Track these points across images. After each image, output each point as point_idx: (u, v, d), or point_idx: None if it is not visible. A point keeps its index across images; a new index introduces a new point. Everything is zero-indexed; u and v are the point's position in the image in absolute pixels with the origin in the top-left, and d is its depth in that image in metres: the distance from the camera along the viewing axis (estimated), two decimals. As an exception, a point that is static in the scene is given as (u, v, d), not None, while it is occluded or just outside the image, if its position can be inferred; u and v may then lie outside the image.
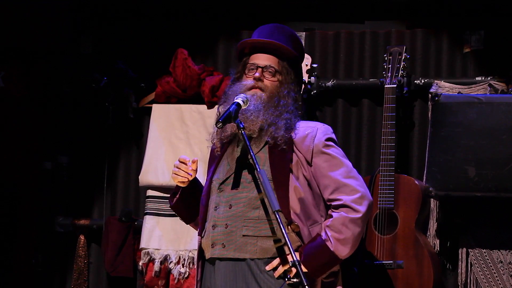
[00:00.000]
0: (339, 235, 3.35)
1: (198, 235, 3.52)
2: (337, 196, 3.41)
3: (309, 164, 3.46)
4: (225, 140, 3.55)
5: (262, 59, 3.53)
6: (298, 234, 3.39)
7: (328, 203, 3.46)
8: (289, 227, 3.38)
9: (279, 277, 3.35)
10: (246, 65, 3.56)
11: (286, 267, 3.33)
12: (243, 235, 3.39)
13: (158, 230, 4.80)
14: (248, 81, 3.52)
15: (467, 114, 4.46)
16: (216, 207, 3.47)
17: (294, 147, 3.46)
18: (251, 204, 3.42)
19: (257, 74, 3.50)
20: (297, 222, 3.38)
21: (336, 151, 3.49)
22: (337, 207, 3.40)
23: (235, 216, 3.42)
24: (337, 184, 3.42)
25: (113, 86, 4.97)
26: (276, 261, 3.36)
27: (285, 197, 3.39)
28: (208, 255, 3.47)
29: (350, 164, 3.49)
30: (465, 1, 4.80)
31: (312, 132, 3.49)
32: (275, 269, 3.36)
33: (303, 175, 3.45)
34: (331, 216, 3.41)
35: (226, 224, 3.42)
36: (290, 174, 3.42)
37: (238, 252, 3.40)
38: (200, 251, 3.52)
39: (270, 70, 3.52)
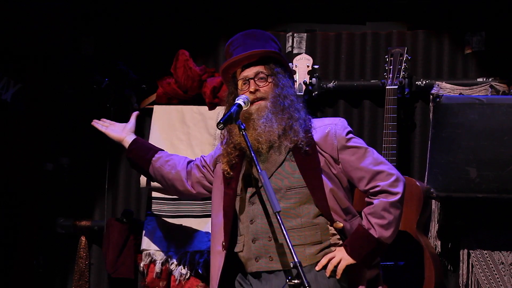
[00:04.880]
0: (382, 221, 3.41)
1: (222, 249, 3.51)
2: (374, 184, 3.46)
3: (336, 161, 3.50)
4: (233, 161, 3.56)
5: (248, 71, 3.54)
6: (341, 231, 3.44)
7: (365, 193, 3.52)
8: (331, 227, 3.43)
9: (330, 276, 3.40)
10: (237, 83, 3.57)
11: (336, 262, 3.40)
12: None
13: (159, 232, 4.79)
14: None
15: (468, 115, 4.46)
16: (252, 220, 3.48)
17: (318, 148, 3.49)
18: (289, 214, 3.43)
19: (252, 87, 3.51)
20: (339, 220, 3.43)
21: (358, 141, 3.55)
22: (376, 193, 3.46)
23: (276, 228, 3.42)
24: (371, 174, 3.47)
25: (114, 88, 4.97)
26: (325, 259, 3.40)
27: (323, 199, 3.43)
28: (252, 268, 3.48)
29: (372, 149, 3.56)
30: (466, 2, 4.80)
31: (331, 130, 3.52)
32: (325, 267, 3.41)
33: (333, 173, 3.48)
34: (370, 203, 3.46)
35: (269, 236, 3.43)
36: (323, 177, 3.44)
37: (288, 262, 3.40)
38: (226, 264, 3.50)
39: (260, 76, 3.53)
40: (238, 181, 3.55)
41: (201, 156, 3.85)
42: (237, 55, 3.55)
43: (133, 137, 4.02)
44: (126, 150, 4.01)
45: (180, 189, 3.87)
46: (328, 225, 3.44)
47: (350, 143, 3.51)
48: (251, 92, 3.51)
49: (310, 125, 3.55)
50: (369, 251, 3.41)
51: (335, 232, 3.44)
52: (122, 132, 4.05)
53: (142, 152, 3.95)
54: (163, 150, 3.99)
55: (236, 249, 3.54)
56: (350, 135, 3.54)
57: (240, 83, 3.56)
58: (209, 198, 3.76)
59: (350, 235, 3.44)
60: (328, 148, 3.49)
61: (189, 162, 3.88)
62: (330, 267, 3.40)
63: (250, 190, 3.51)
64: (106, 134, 4.10)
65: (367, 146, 3.54)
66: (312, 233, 3.42)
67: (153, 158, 3.91)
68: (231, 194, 3.54)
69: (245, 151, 3.52)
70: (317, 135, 3.52)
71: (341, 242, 3.45)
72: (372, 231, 3.41)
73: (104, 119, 4.14)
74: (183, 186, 3.85)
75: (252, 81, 3.53)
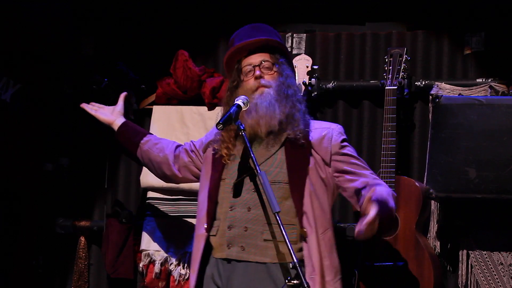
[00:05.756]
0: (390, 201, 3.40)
1: (205, 232, 3.51)
2: (372, 180, 3.48)
3: (328, 164, 3.50)
4: (231, 149, 3.56)
5: (254, 58, 3.56)
6: (303, 239, 3.41)
7: (357, 192, 3.51)
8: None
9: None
10: (241, 69, 3.57)
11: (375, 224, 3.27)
12: (265, 240, 3.40)
13: (159, 232, 4.80)
14: (250, 83, 3.53)
15: (468, 115, 4.46)
16: (231, 207, 3.47)
17: (312, 149, 3.49)
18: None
19: (257, 73, 3.53)
20: (308, 229, 3.41)
21: (351, 150, 3.59)
22: (375, 184, 3.45)
23: (255, 220, 3.43)
24: (363, 177, 3.50)
25: (114, 88, 4.96)
26: (372, 214, 3.25)
27: (300, 202, 3.43)
28: (222, 254, 3.47)
29: (364, 161, 3.60)
30: (466, 3, 4.80)
31: (328, 134, 3.55)
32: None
33: (321, 177, 3.48)
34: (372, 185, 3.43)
35: (246, 227, 3.43)
36: (307, 178, 3.44)
37: (259, 256, 3.41)
38: (206, 246, 3.50)
39: (266, 65, 3.55)
40: (226, 166, 3.55)
41: (191, 141, 3.85)
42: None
43: (122, 120, 4.01)
44: (115, 133, 3.99)
45: (167, 173, 3.87)
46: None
47: (343, 150, 3.54)
48: (255, 78, 3.52)
49: (309, 122, 3.56)
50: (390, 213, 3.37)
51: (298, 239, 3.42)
52: (111, 115, 4.03)
53: (131, 134, 3.94)
54: (152, 134, 3.99)
55: (211, 233, 3.53)
56: (345, 143, 3.58)
57: (244, 70, 3.57)
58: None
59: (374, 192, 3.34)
60: (321, 150, 3.50)
61: (178, 146, 3.88)
62: (374, 226, 3.26)
63: (237, 177, 3.51)
64: (95, 117, 4.07)
65: (358, 156, 3.59)
66: (289, 232, 3.37)
67: (142, 141, 3.90)
68: (216, 177, 3.55)
69: (240, 139, 3.54)
70: (313, 135, 3.53)
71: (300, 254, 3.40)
72: (390, 201, 3.37)
73: (93, 103, 4.12)
74: (170, 170, 3.84)
75: (257, 67, 3.54)
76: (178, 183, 4.05)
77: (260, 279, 3.38)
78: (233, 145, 3.57)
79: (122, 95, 4.10)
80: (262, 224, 3.41)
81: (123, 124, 3.98)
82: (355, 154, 3.57)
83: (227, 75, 3.70)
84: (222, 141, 3.58)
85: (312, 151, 3.49)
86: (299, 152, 3.47)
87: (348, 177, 3.51)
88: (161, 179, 4.03)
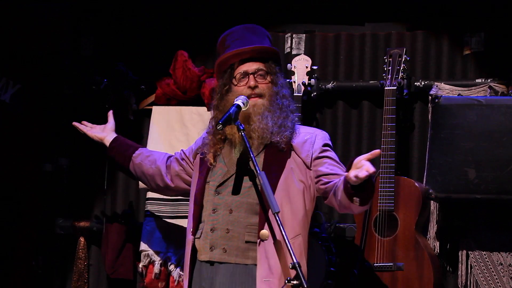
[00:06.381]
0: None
1: (191, 235, 3.52)
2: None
3: (309, 167, 3.49)
4: (218, 152, 3.56)
5: (248, 65, 3.54)
6: (262, 241, 3.39)
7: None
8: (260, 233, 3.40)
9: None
10: (234, 75, 3.56)
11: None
12: (246, 241, 3.40)
13: (158, 232, 4.80)
14: (243, 90, 3.52)
15: (467, 116, 4.46)
16: (214, 209, 3.48)
17: (293, 152, 3.49)
18: (252, 209, 3.43)
19: (252, 82, 3.52)
20: (270, 231, 3.39)
21: (332, 155, 3.57)
22: None
23: (236, 222, 3.43)
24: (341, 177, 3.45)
25: (113, 88, 4.97)
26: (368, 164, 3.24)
27: (265, 204, 3.41)
28: (205, 257, 3.48)
29: (343, 166, 3.56)
30: (466, 3, 4.80)
31: (311, 138, 3.55)
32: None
33: (300, 180, 3.47)
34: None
35: (227, 229, 3.44)
36: (281, 182, 3.44)
37: (240, 258, 3.42)
38: (193, 250, 3.51)
39: (260, 73, 3.54)
40: (211, 169, 3.56)
41: (181, 150, 3.85)
42: (237, 47, 3.57)
43: (113, 135, 4.01)
44: (107, 149, 3.99)
45: (160, 185, 3.87)
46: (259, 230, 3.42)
47: (324, 154, 3.54)
48: (249, 87, 3.51)
49: (295, 128, 3.58)
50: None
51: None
52: (102, 132, 4.03)
53: (123, 149, 3.94)
54: (144, 147, 3.99)
55: (196, 235, 3.53)
56: (327, 147, 3.57)
57: (237, 76, 3.56)
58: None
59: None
60: (303, 154, 3.51)
61: (169, 157, 3.88)
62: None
63: (219, 180, 3.52)
64: (87, 135, 4.07)
65: (339, 162, 3.57)
66: (250, 232, 3.42)
67: (134, 155, 3.90)
68: (202, 181, 3.56)
69: (228, 142, 3.55)
70: (296, 139, 3.54)
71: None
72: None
73: (85, 122, 4.12)
74: (163, 181, 3.84)
75: (251, 76, 3.53)
76: (172, 195, 4.05)
77: (242, 281, 3.39)
78: (220, 148, 3.57)
79: (111, 112, 4.10)
80: (243, 226, 3.42)
81: (114, 140, 3.98)
82: (336, 158, 3.57)
83: (217, 78, 3.68)
84: (209, 145, 3.58)
85: (293, 154, 3.50)
86: (277, 156, 3.48)
87: (326, 179, 3.49)
88: (155, 192, 4.05)
